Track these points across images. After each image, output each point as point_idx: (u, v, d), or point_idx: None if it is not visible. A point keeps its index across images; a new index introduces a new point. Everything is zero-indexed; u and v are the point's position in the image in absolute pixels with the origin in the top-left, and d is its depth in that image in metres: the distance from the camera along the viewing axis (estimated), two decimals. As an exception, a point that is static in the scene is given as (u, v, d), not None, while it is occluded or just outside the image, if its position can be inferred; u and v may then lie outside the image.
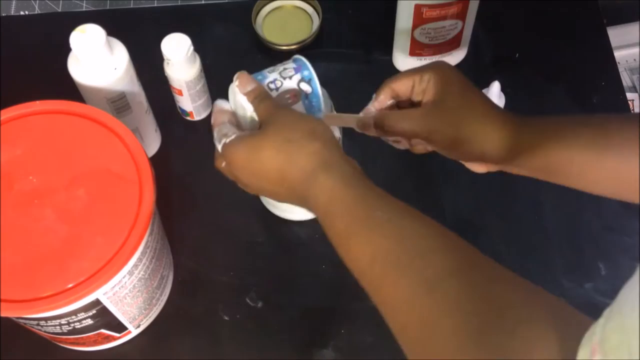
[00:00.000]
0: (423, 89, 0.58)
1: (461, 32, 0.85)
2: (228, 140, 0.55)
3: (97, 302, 0.62)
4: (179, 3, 0.97)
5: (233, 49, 0.93)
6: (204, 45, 0.89)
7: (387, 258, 0.46)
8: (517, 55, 0.93)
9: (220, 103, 0.60)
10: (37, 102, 0.66)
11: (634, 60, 1.10)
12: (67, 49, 0.69)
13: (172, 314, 0.76)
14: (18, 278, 0.58)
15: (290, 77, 0.59)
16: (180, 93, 0.82)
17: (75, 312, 0.61)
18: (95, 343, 0.72)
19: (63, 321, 0.62)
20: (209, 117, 0.77)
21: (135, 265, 0.63)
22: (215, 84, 0.85)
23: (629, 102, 1.05)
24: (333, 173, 0.51)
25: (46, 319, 0.61)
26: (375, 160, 0.85)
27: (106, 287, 0.60)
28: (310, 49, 0.92)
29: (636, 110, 1.07)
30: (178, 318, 0.76)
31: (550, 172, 0.57)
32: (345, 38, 0.93)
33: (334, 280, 0.76)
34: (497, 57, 0.93)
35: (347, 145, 0.77)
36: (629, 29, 1.08)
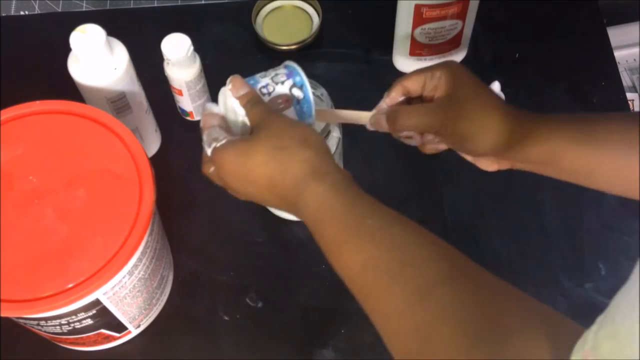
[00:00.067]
0: (434, 86, 0.59)
1: (461, 32, 0.86)
2: (219, 145, 0.54)
3: (97, 302, 0.62)
4: (179, 3, 0.97)
5: (233, 49, 0.93)
6: (204, 45, 0.89)
7: (378, 266, 0.46)
8: (517, 55, 0.93)
9: (210, 106, 0.59)
10: (37, 102, 0.66)
11: (634, 60, 1.10)
12: (67, 49, 0.69)
13: (172, 314, 0.76)
14: (18, 278, 0.58)
15: (283, 83, 0.59)
16: (180, 93, 0.82)
17: (75, 312, 0.61)
18: (95, 343, 0.72)
19: (63, 321, 0.62)
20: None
21: (135, 265, 0.63)
22: (215, 84, 0.85)
23: (629, 102, 1.05)
24: (324, 181, 0.51)
25: (46, 319, 0.61)
26: (375, 161, 0.85)
27: (106, 287, 0.60)
28: (310, 49, 0.92)
29: (636, 110, 1.07)
30: (178, 318, 0.76)
31: (551, 164, 0.58)
32: (345, 38, 0.93)
33: (334, 280, 0.76)
34: (497, 57, 0.93)
35: (347, 145, 0.77)
36: (629, 29, 1.08)
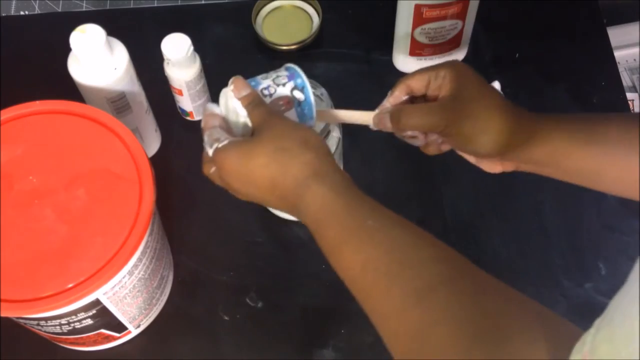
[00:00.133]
0: (439, 85, 0.59)
1: (461, 32, 0.86)
2: (220, 145, 0.54)
3: (97, 302, 0.62)
4: (179, 3, 0.97)
5: (233, 49, 0.93)
6: (204, 45, 0.89)
7: (378, 267, 0.46)
8: (517, 55, 0.93)
9: (211, 107, 0.59)
10: (37, 102, 0.66)
11: (634, 60, 1.10)
12: (67, 49, 0.69)
13: (172, 314, 0.76)
14: (18, 278, 0.58)
15: (284, 85, 0.59)
16: (180, 93, 0.82)
17: (75, 312, 0.61)
18: (95, 343, 0.72)
19: (63, 321, 0.62)
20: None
21: (135, 265, 0.63)
22: (215, 84, 0.85)
23: (629, 102, 1.05)
24: (324, 182, 0.51)
25: (46, 319, 0.61)
26: (375, 161, 0.85)
27: (106, 287, 0.60)
28: (310, 49, 0.92)
29: (636, 110, 1.07)
30: (178, 318, 0.76)
31: (554, 165, 0.58)
32: (345, 38, 0.93)
33: (334, 280, 0.76)
34: (497, 57, 0.93)
35: (347, 145, 0.77)
36: (629, 29, 1.08)
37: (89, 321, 0.64)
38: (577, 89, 0.90)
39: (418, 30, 0.83)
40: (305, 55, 0.91)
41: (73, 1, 0.97)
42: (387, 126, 0.60)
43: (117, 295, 0.63)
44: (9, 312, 0.58)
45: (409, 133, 0.61)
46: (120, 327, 0.71)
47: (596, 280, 0.78)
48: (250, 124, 0.57)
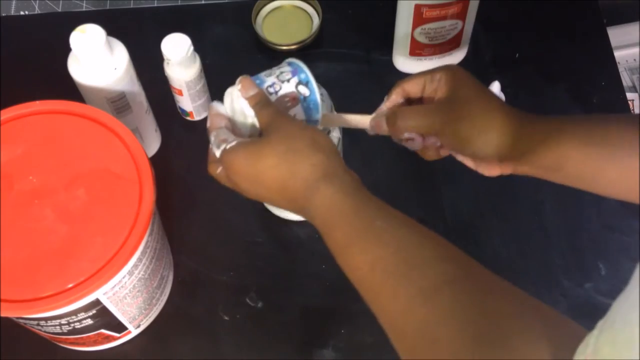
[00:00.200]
0: (434, 88, 0.59)
1: (461, 32, 0.86)
2: (229, 147, 0.54)
3: (97, 302, 0.62)
4: (179, 3, 0.97)
5: (233, 49, 0.93)
6: (204, 45, 0.89)
7: (386, 267, 0.46)
8: (517, 55, 0.93)
9: (217, 106, 0.59)
10: (37, 102, 0.66)
11: (634, 60, 1.10)
12: (67, 49, 0.69)
13: (172, 314, 0.76)
14: (18, 278, 0.58)
15: (288, 81, 0.59)
16: (180, 93, 0.82)
17: (75, 312, 0.61)
18: (95, 343, 0.72)
19: (63, 321, 0.62)
20: (209, 117, 0.77)
21: (135, 265, 0.63)
22: (215, 84, 0.85)
23: (629, 102, 1.05)
24: (334, 184, 0.51)
25: (46, 319, 0.61)
26: (375, 161, 0.85)
27: (106, 287, 0.60)
28: (310, 49, 0.92)
29: (636, 110, 1.07)
30: (178, 318, 0.76)
31: (558, 169, 0.57)
32: (345, 38, 0.93)
33: (334, 280, 0.76)
34: (497, 57, 0.93)
35: (347, 146, 0.77)
36: (629, 29, 1.08)
37: (89, 321, 0.64)
38: (577, 89, 0.90)
39: (418, 30, 0.83)
40: (305, 55, 0.91)
41: (73, 1, 0.97)
42: (384, 129, 0.60)
43: (117, 295, 0.63)
44: (9, 312, 0.58)
45: (406, 135, 0.60)
46: (120, 327, 0.71)
47: (596, 280, 0.78)
48: (257, 124, 0.57)
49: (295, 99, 0.59)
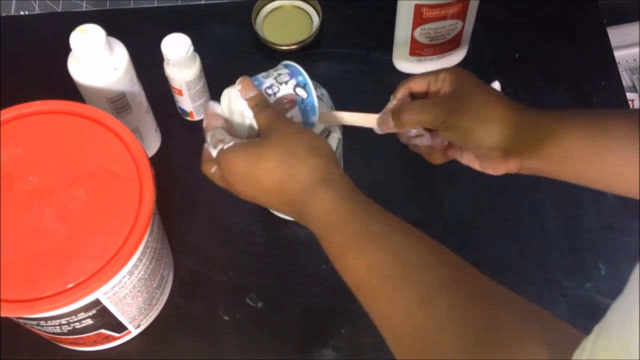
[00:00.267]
0: (438, 88, 0.60)
1: (461, 32, 0.86)
2: (226, 147, 0.54)
3: (97, 302, 0.62)
4: (179, 3, 0.97)
5: (233, 49, 0.93)
6: (204, 45, 0.89)
7: (384, 271, 0.47)
8: (517, 55, 0.93)
9: (213, 106, 0.59)
10: (37, 102, 0.66)
11: (634, 60, 1.10)
12: (67, 49, 0.69)
13: (172, 314, 0.76)
14: (18, 278, 0.58)
15: (286, 83, 0.59)
16: (180, 93, 0.82)
17: (75, 312, 0.61)
18: (95, 343, 0.72)
19: (63, 321, 0.62)
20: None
21: (135, 265, 0.63)
22: (215, 84, 0.85)
23: (629, 102, 1.05)
24: (332, 188, 0.51)
25: (46, 319, 0.61)
26: (375, 161, 0.85)
27: (106, 287, 0.60)
28: (310, 49, 0.92)
29: (636, 110, 1.07)
30: (178, 318, 0.76)
31: (563, 161, 0.57)
32: (345, 38, 0.93)
33: (334, 280, 0.76)
34: (497, 57, 0.93)
35: (347, 146, 0.77)
36: (629, 29, 1.08)
37: (89, 321, 0.64)
38: (577, 89, 0.90)
39: (418, 30, 0.83)
40: (305, 55, 0.91)
41: (73, 1, 0.97)
42: (390, 125, 0.60)
43: (117, 295, 0.63)
44: (9, 312, 0.58)
45: (414, 132, 0.60)
46: (120, 327, 0.71)
47: (596, 280, 0.78)
48: (256, 125, 0.57)
49: (293, 101, 0.59)
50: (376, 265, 0.47)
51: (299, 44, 0.91)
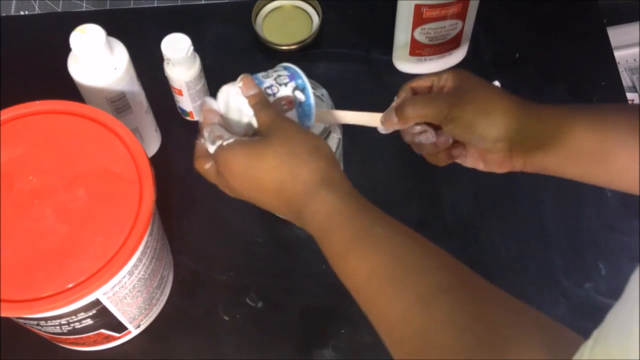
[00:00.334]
0: (441, 87, 0.60)
1: (461, 32, 0.86)
2: (225, 144, 0.54)
3: (97, 302, 0.62)
4: (179, 3, 0.97)
5: (233, 49, 0.93)
6: (204, 45, 0.89)
7: (384, 274, 0.47)
8: (517, 55, 0.93)
9: (210, 102, 0.59)
10: (37, 102, 0.66)
11: (634, 60, 1.10)
12: (67, 49, 0.69)
13: (172, 314, 0.76)
14: (18, 278, 0.58)
15: (286, 84, 0.59)
16: (180, 93, 0.82)
17: (75, 312, 0.61)
18: (95, 343, 0.72)
19: (63, 321, 0.62)
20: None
21: (135, 265, 0.63)
22: (215, 84, 0.85)
23: (629, 102, 1.05)
24: (333, 190, 0.51)
25: (46, 319, 0.61)
26: (375, 161, 0.85)
27: (106, 287, 0.60)
28: (310, 49, 0.92)
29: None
30: (178, 318, 0.76)
31: (574, 156, 0.57)
32: (345, 38, 0.93)
33: (334, 280, 0.76)
34: (497, 57, 0.93)
35: (347, 146, 0.77)
36: (629, 29, 1.08)
37: (89, 321, 0.64)
38: (577, 89, 0.90)
39: (418, 30, 0.83)
40: (305, 55, 0.91)
41: (73, 1, 0.97)
42: (394, 121, 0.60)
43: (117, 295, 0.63)
44: (9, 312, 0.58)
45: (418, 129, 0.60)
46: (120, 327, 0.71)
47: (596, 280, 0.78)
48: (255, 124, 0.56)
49: (291, 102, 0.59)
50: (377, 267, 0.47)
51: (299, 44, 0.91)
